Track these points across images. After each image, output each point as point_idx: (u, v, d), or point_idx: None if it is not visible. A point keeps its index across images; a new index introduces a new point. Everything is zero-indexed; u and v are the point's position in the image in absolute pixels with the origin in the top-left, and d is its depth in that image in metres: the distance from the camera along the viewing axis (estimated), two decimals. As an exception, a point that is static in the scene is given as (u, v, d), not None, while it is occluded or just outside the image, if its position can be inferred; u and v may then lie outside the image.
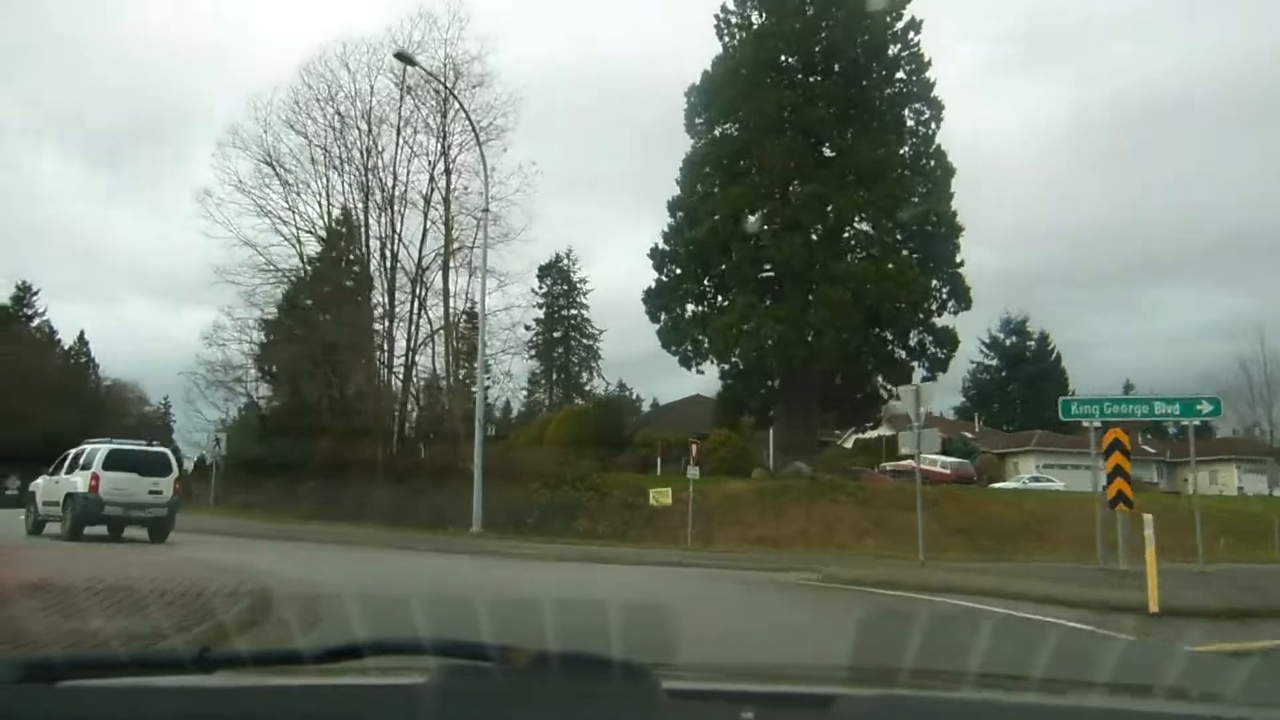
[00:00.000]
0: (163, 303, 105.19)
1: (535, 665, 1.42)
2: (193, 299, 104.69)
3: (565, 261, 78.22)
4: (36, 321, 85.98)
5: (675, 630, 4.36)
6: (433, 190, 34.51)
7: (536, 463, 31.98)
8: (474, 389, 34.88)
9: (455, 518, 27.38)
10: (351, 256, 34.48)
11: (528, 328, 63.69)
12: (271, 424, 35.37)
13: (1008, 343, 78.26)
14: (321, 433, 33.20)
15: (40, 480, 21.90)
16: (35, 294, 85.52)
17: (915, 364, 37.05)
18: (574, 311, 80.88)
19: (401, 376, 34.61)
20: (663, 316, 37.19)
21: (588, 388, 76.56)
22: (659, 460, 37.13)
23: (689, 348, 36.71)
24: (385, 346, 34.57)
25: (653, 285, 37.27)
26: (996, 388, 77.15)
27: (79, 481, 19.56)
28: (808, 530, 26.48)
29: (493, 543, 22.74)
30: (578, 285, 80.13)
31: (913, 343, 36.95)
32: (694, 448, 25.55)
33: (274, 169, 33.92)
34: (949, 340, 36.97)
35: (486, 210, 26.31)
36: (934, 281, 35.74)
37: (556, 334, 79.23)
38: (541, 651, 1.44)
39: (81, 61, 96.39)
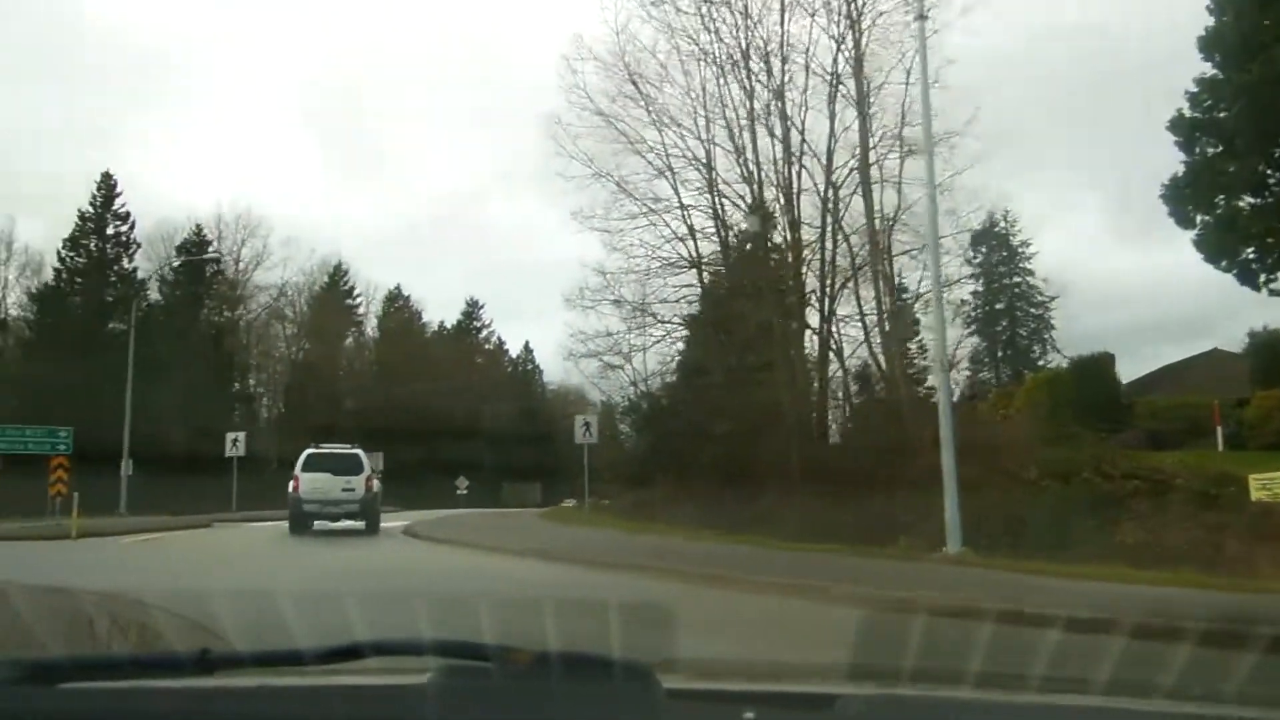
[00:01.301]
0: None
1: (536, 665, 1.37)
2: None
3: (1002, 225, 65.53)
4: (484, 334, 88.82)
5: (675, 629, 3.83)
6: (837, 84, 24.27)
7: (1010, 447, 20.55)
8: (921, 340, 24.28)
9: (912, 529, 17.13)
10: (748, 177, 24.99)
11: (964, 301, 52.65)
12: (655, 405, 27.18)
13: None
14: (719, 414, 24.22)
15: None
16: (481, 308, 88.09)
17: None
18: (1017, 279, 67.77)
19: (818, 335, 24.60)
20: (1198, 218, 23.82)
21: (1040, 363, 62.91)
22: (1218, 430, 23.82)
23: (1250, 255, 23.02)
24: (794, 295, 24.73)
25: (1179, 173, 23.99)
26: None
27: (291, 483, 20.83)
28: None
29: (992, 574, 11.89)
30: (1019, 250, 66.98)
31: None
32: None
33: (635, 85, 25.64)
34: None
35: (924, 18, 15.35)
36: None
37: (999, 306, 66.66)
38: (542, 651, 1.39)
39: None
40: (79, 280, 50.01)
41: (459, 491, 63.74)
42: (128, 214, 51.46)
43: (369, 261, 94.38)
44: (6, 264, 50.53)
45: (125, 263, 51.45)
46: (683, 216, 25.72)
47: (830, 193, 24.68)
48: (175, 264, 57.71)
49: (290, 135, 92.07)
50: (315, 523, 20.49)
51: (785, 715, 1.49)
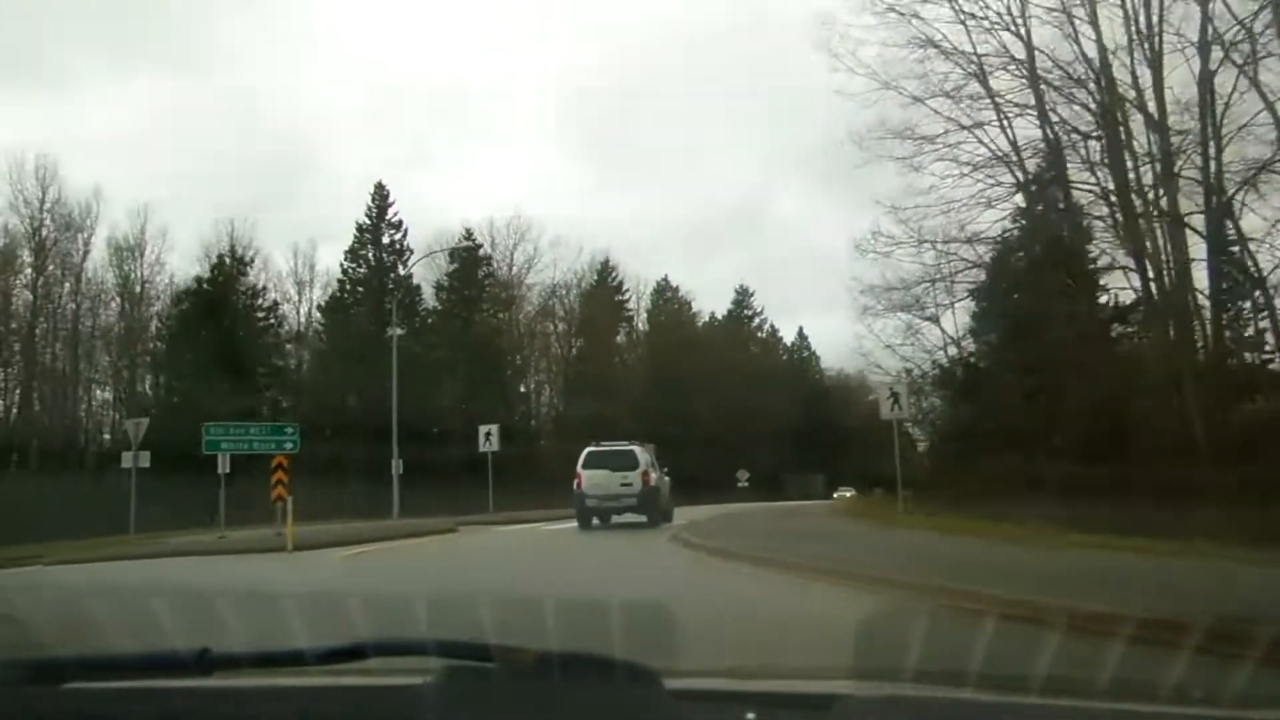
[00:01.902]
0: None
1: (538, 666, 1.35)
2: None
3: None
4: (756, 321, 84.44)
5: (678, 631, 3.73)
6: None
7: None
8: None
9: None
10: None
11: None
12: (974, 371, 21.21)
13: None
14: (1068, 378, 18.11)
15: None
16: (752, 295, 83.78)
17: None
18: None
19: (1210, 264, 17.72)
20: None
21: None
22: None
23: None
24: (1169, 212, 18.03)
25: None
26: None
27: (575, 481, 21.41)
28: None
29: None
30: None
31: None
32: None
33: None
34: None
35: None
36: None
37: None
38: (544, 652, 1.37)
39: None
40: (360, 290, 50.66)
41: (739, 484, 59.61)
42: (400, 222, 51.70)
43: (636, 257, 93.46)
44: (311, 285, 52.50)
45: (400, 269, 51.62)
46: (1001, 126, 19.68)
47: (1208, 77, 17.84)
48: (448, 269, 57.88)
49: (554, 136, 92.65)
50: (612, 517, 21.27)
51: (787, 715, 1.48)
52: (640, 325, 72.79)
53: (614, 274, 71.29)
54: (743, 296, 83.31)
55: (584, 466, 21.27)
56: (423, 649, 1.43)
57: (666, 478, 23.61)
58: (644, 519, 20.67)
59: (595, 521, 21.03)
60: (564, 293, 64.05)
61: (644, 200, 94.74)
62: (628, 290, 71.54)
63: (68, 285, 46.50)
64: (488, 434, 27.81)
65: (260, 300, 49.03)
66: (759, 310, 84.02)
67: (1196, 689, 1.74)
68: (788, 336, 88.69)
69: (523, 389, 62.99)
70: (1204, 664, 2.08)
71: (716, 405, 64.42)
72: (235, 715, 1.39)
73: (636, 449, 21.80)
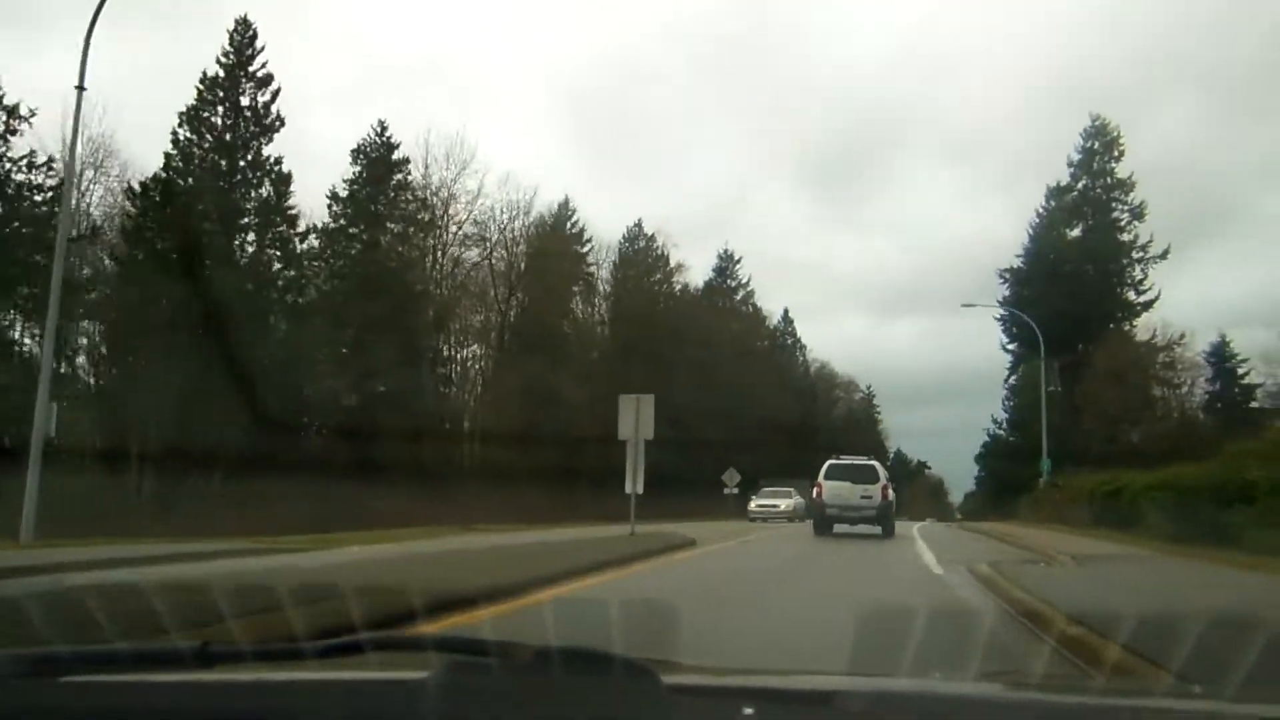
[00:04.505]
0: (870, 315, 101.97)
1: (537, 661, 1.33)
2: (891, 313, 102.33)
3: None
4: (740, 295, 68.24)
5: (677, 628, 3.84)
6: None
7: None
8: None
9: None
10: None
11: None
12: None
13: None
14: None
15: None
16: (738, 263, 67.51)
17: None
18: None
19: None
20: None
21: None
22: None
23: None
24: None
25: None
26: None
27: (814, 490, 22.46)
28: None
29: None
30: None
31: None
32: None
33: None
34: None
35: None
36: None
37: None
38: (543, 647, 1.34)
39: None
40: (199, 167, 32.97)
41: (726, 489, 42.80)
42: (269, 77, 33.93)
43: (604, 225, 75.74)
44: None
45: (264, 148, 33.94)
46: None
47: None
48: (351, 174, 40.51)
49: (534, 115, 77.44)
50: (835, 526, 21.74)
51: (785, 711, 1.42)
52: (603, 287, 55.92)
53: (574, 219, 54.56)
54: (726, 264, 67.14)
55: (825, 477, 21.90)
56: (421, 644, 1.43)
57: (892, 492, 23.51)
58: (878, 530, 21.56)
59: (832, 529, 21.52)
60: (507, 221, 47.02)
61: (619, 185, 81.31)
62: (590, 242, 54.81)
63: None
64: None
65: (42, 177, 31.13)
66: (744, 281, 68.01)
67: (1196, 684, 1.65)
68: (772, 319, 73.00)
69: (445, 350, 45.96)
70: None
71: (694, 386, 47.97)
72: (234, 710, 1.32)
73: (876, 464, 23.05)
